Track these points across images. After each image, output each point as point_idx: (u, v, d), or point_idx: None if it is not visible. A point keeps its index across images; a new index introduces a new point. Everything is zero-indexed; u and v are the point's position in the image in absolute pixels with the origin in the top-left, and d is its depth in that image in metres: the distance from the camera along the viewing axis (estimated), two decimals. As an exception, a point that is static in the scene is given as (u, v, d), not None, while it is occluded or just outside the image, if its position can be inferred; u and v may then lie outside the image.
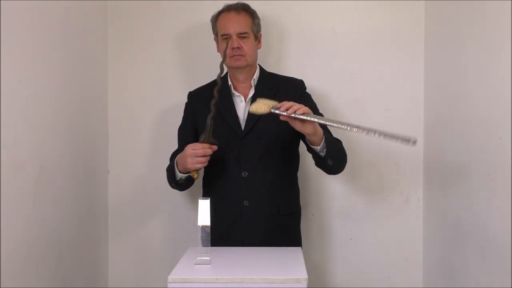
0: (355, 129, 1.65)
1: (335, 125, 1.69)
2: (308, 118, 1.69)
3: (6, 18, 1.56)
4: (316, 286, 2.30)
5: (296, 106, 1.70)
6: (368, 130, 1.64)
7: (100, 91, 2.37)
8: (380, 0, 2.35)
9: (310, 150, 1.91)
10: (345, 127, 1.66)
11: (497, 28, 1.66)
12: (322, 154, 1.85)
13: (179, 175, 1.92)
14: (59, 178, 1.93)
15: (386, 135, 1.64)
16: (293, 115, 1.68)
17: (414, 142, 1.63)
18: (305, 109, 1.71)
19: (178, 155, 1.91)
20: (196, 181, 1.96)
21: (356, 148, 2.36)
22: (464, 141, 1.92)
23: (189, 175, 1.90)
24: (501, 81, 1.62)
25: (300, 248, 1.88)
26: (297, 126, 1.72)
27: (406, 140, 1.63)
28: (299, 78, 2.11)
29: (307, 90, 2.10)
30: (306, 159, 2.12)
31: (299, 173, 2.14)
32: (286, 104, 1.70)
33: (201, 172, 2.06)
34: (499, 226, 1.64)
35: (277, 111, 1.70)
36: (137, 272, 2.43)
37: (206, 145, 1.82)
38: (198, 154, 1.81)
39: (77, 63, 2.11)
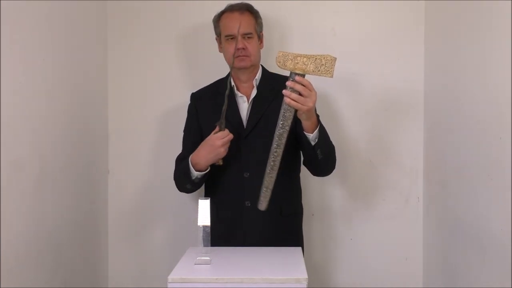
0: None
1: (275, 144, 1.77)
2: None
3: (6, 18, 1.56)
4: (316, 286, 2.29)
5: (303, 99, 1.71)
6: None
7: (100, 91, 2.37)
8: (380, 0, 2.35)
9: (301, 142, 1.90)
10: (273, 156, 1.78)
11: (497, 28, 1.66)
12: (313, 142, 1.85)
13: (195, 174, 1.91)
14: (59, 178, 1.93)
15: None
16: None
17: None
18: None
19: (193, 154, 1.91)
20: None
21: (356, 148, 2.36)
22: (464, 141, 1.92)
23: (205, 173, 1.91)
24: (501, 81, 1.62)
25: (300, 248, 1.87)
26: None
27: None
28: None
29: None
30: (306, 159, 2.12)
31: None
32: (307, 88, 1.71)
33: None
34: (499, 226, 1.64)
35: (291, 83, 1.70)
36: (137, 272, 2.43)
37: (225, 132, 1.86)
38: (225, 142, 1.85)
39: (77, 63, 2.10)
